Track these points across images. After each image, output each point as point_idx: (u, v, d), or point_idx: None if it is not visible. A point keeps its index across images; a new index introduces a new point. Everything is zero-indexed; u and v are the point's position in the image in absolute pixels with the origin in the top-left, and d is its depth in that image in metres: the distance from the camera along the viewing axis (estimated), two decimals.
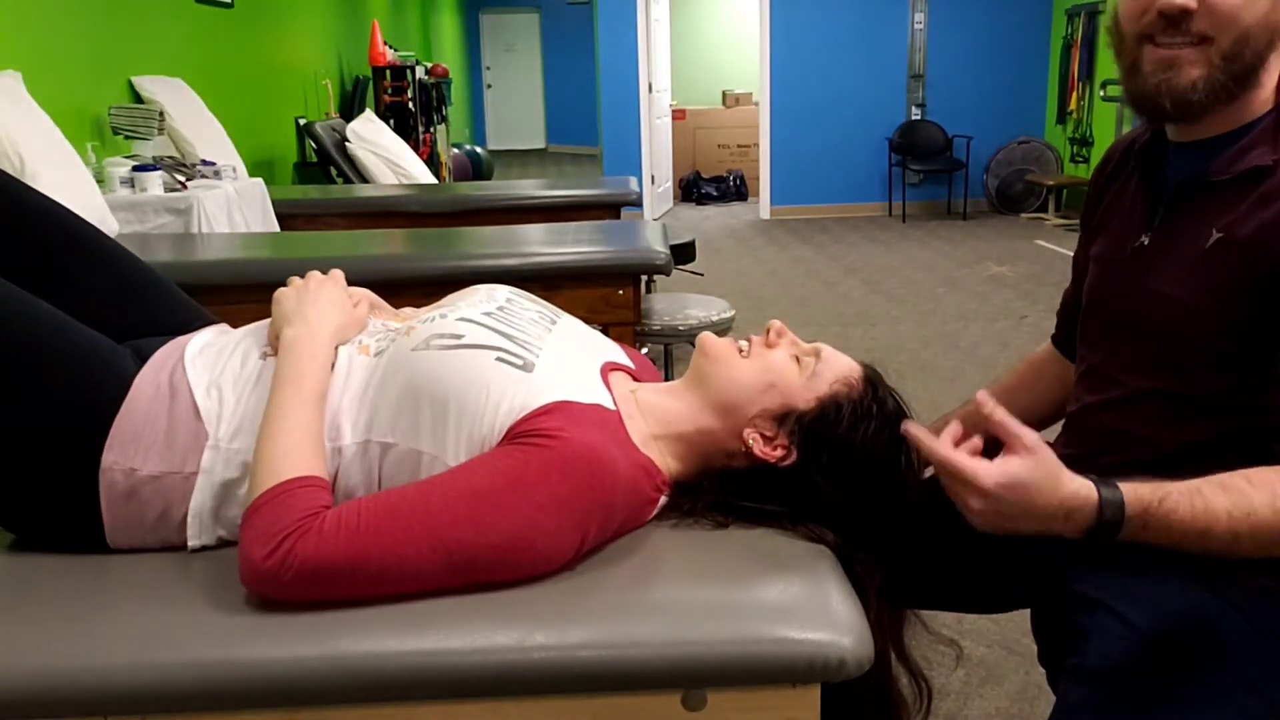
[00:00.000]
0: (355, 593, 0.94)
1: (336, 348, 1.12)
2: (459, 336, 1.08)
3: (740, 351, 1.16)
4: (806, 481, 1.10)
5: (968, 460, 0.95)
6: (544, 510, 0.96)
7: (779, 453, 1.11)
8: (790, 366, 1.14)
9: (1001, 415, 0.95)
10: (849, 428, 1.10)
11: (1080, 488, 0.95)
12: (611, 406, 1.10)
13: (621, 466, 1.02)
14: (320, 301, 1.15)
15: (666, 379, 1.26)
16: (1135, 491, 0.95)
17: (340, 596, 0.94)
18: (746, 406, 1.12)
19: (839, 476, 1.10)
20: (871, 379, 1.15)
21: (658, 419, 1.14)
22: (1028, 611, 1.42)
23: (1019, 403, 1.42)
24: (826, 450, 1.10)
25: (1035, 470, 0.94)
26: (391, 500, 0.96)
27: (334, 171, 5.25)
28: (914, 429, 1.01)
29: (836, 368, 1.15)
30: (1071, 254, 1.36)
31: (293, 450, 0.99)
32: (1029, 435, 0.95)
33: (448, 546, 0.94)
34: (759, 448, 1.11)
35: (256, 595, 0.95)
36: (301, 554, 0.91)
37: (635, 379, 1.23)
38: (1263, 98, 1.07)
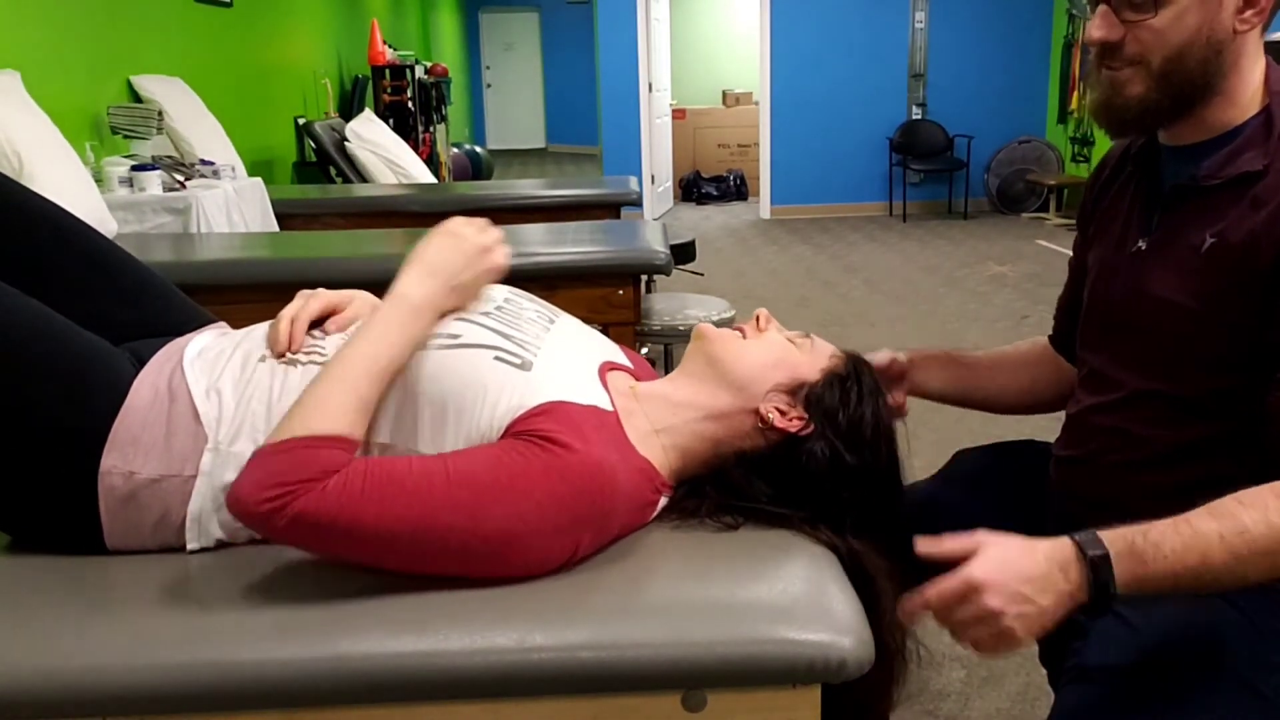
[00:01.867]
0: (342, 552, 0.97)
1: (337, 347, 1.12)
2: (456, 336, 1.08)
3: (739, 336, 1.19)
4: (828, 448, 1.11)
5: (952, 577, 0.92)
6: (541, 509, 0.96)
7: (797, 424, 1.13)
8: (790, 344, 1.18)
9: (939, 548, 0.94)
10: (856, 395, 1.14)
11: (1055, 540, 0.94)
12: (609, 407, 1.10)
13: (622, 477, 1.03)
14: (473, 276, 1.12)
15: None
16: (1114, 530, 0.93)
17: (326, 552, 0.97)
18: (759, 382, 1.14)
19: (854, 441, 1.12)
20: (852, 355, 1.21)
21: (662, 411, 1.14)
22: None
23: (1022, 375, 1.41)
24: (840, 414, 1.13)
25: (1000, 543, 0.94)
26: (397, 472, 0.96)
27: (333, 171, 5.25)
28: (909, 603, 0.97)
29: (827, 346, 1.21)
30: (1072, 249, 1.36)
31: (336, 408, 0.99)
32: (970, 537, 0.94)
33: (440, 530, 0.94)
34: (779, 420, 1.12)
35: (238, 519, 0.97)
36: (299, 508, 0.91)
37: (635, 378, 1.23)
38: (1247, 99, 1.07)
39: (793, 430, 1.12)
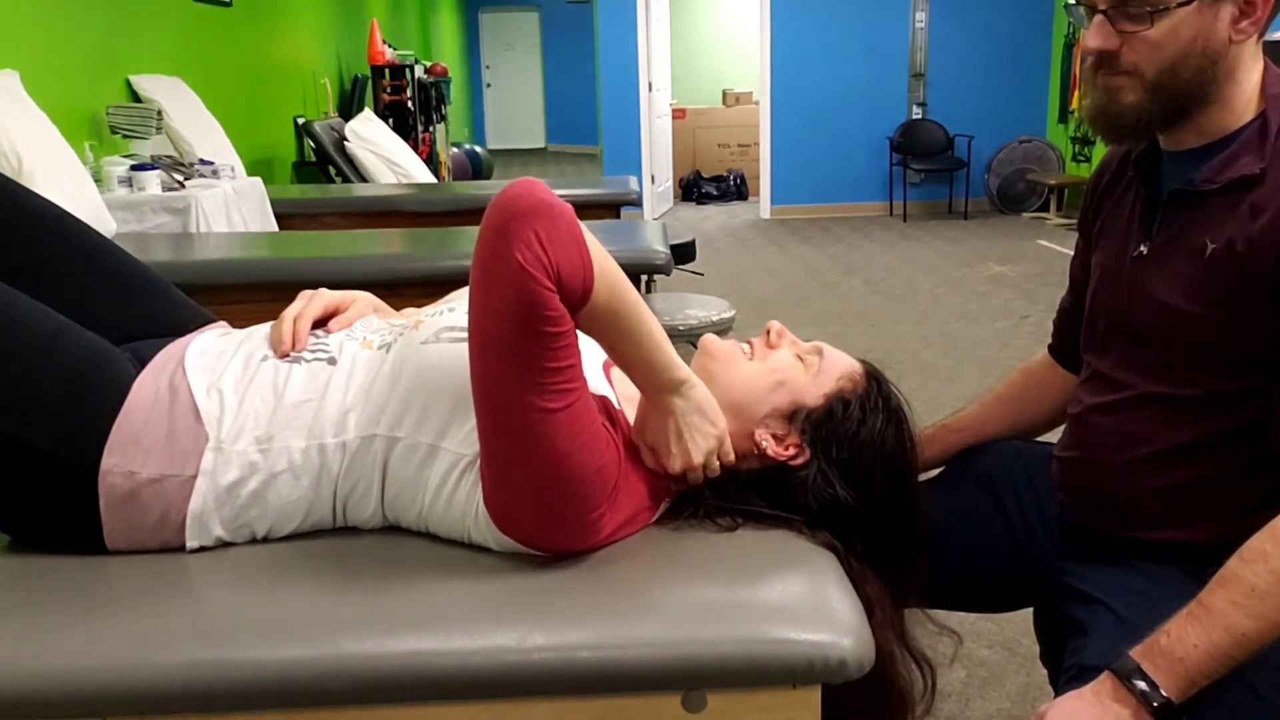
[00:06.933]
0: (481, 316, 0.95)
1: (341, 343, 1.13)
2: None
3: (744, 353, 1.16)
4: (820, 479, 1.09)
5: None
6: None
7: (791, 451, 1.11)
8: (796, 365, 1.14)
9: None
10: (859, 422, 1.11)
11: (1096, 680, 0.98)
12: (616, 404, 1.10)
13: (627, 459, 1.04)
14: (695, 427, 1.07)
15: None
16: (1140, 643, 0.97)
17: (475, 305, 0.95)
18: (756, 406, 1.12)
19: (852, 472, 1.10)
20: (873, 374, 1.16)
21: None
22: (1029, 612, 1.42)
23: (1007, 410, 1.42)
24: (837, 446, 1.10)
25: (1056, 704, 0.99)
26: (578, 410, 0.96)
27: (332, 171, 5.25)
28: None
29: (840, 364, 1.15)
30: (1072, 254, 1.36)
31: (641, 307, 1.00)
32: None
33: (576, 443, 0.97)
34: (772, 448, 1.11)
35: (500, 204, 0.94)
36: (524, 281, 0.90)
37: None
38: (1244, 104, 1.08)
39: (785, 459, 1.10)
